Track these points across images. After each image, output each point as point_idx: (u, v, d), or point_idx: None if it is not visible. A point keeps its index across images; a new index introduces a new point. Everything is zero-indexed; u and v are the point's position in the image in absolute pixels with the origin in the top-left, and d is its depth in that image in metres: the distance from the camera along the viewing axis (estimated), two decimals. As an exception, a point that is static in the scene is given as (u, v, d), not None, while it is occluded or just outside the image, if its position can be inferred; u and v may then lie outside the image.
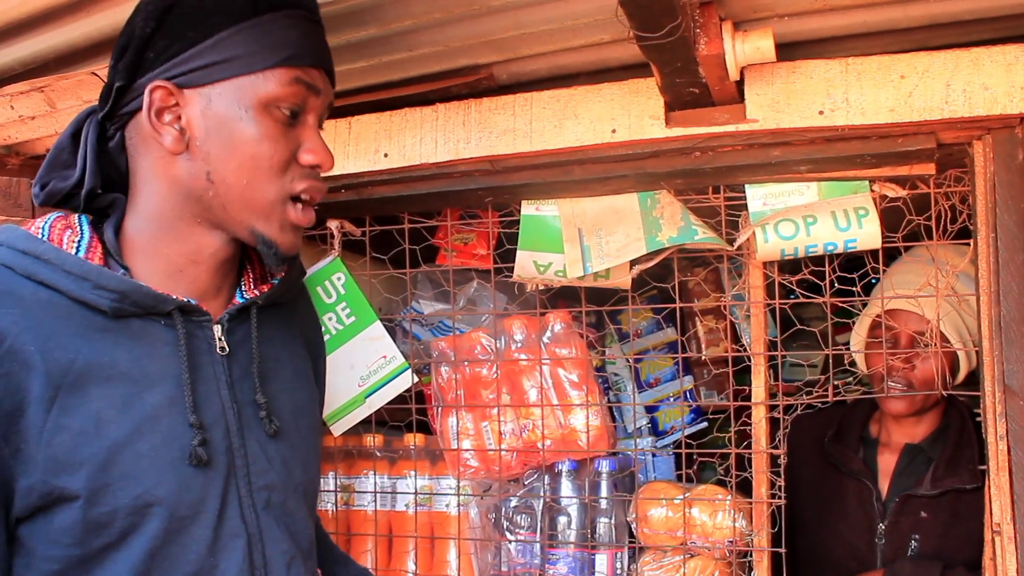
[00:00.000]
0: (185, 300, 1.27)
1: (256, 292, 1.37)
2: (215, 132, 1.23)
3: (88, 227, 1.29)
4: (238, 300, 1.35)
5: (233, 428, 1.28)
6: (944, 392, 2.14)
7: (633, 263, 2.02)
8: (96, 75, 1.85)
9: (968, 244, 1.81)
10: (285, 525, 1.32)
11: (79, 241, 1.25)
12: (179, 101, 1.23)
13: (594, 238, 1.99)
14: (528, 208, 2.05)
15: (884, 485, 2.36)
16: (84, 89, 1.92)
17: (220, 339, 1.30)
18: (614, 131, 1.82)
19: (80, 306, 1.20)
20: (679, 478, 2.25)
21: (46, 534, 1.17)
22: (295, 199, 1.29)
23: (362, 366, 2.16)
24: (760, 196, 1.89)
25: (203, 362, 1.28)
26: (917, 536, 2.25)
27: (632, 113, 1.81)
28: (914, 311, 2.20)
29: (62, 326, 1.18)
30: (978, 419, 1.78)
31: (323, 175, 1.32)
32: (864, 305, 2.08)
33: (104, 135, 1.31)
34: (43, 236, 1.24)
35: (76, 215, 1.30)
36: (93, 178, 1.30)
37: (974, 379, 2.00)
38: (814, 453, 2.47)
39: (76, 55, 1.83)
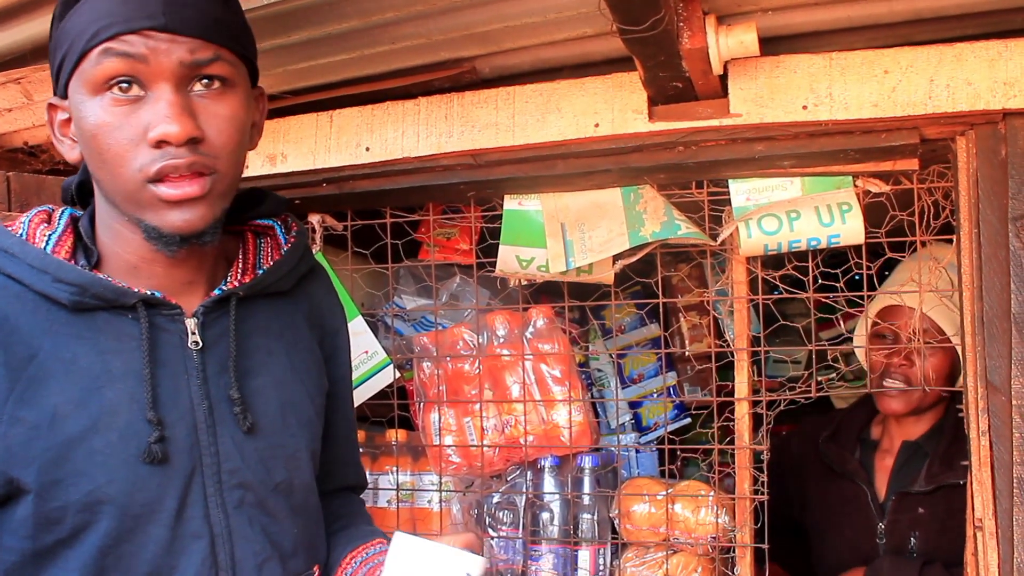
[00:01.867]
0: (149, 293, 1.22)
1: (236, 283, 1.31)
2: (79, 130, 1.18)
3: (65, 220, 1.27)
4: (215, 292, 1.28)
5: (202, 425, 1.23)
6: (928, 388, 2.15)
7: (616, 258, 2.02)
8: (73, 66, 1.83)
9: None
10: (261, 525, 1.26)
11: (50, 235, 1.24)
12: (65, 110, 1.21)
13: (577, 233, 1.99)
14: (511, 203, 2.04)
15: (881, 485, 2.36)
16: (61, 81, 1.90)
17: (193, 333, 1.25)
18: (597, 125, 1.81)
19: (45, 300, 1.19)
20: (662, 474, 2.25)
21: (7, 524, 1.17)
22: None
23: (344, 361, 2.14)
24: (743, 191, 1.88)
25: (171, 357, 1.23)
26: (916, 533, 2.26)
27: (615, 107, 1.80)
28: (913, 308, 2.19)
29: (27, 320, 1.17)
30: (959, 415, 1.78)
31: (191, 141, 1.16)
32: (848, 302, 2.08)
33: None
34: (23, 230, 1.23)
35: (61, 209, 1.30)
36: (82, 172, 1.30)
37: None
38: (816, 458, 2.47)
39: (53, 46, 1.81)
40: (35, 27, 1.76)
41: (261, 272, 1.34)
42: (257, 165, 2.01)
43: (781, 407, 2.03)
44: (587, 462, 2.14)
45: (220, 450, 1.24)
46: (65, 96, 1.20)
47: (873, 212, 1.86)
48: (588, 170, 1.89)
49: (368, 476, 2.27)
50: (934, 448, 2.31)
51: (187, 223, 1.18)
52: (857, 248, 1.89)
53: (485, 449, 2.17)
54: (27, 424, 1.14)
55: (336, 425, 1.50)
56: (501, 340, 2.20)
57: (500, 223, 2.05)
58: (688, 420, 2.68)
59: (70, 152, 1.23)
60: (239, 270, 1.33)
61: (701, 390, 2.85)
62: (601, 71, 1.83)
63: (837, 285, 1.92)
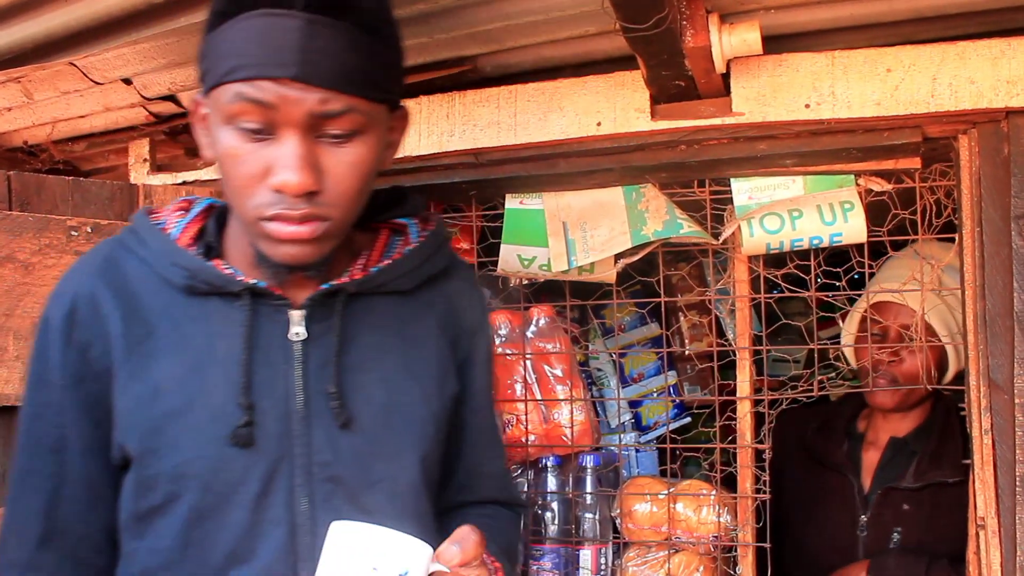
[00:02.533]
0: (254, 283, 1.25)
1: (348, 279, 1.30)
2: (214, 141, 1.20)
3: (199, 209, 1.34)
4: (323, 287, 1.28)
5: (296, 415, 1.24)
6: (930, 387, 2.15)
7: (618, 257, 2.01)
8: (74, 65, 1.82)
9: (954, 239, 1.81)
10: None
11: (180, 221, 1.31)
12: (205, 106, 1.21)
13: (579, 232, 1.98)
14: (512, 201, 2.04)
15: (867, 479, 2.36)
16: (62, 79, 1.89)
17: (298, 324, 1.27)
18: (599, 124, 1.81)
19: (166, 282, 1.27)
20: (663, 473, 2.25)
21: (124, 486, 1.27)
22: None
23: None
24: (745, 190, 1.88)
25: (272, 346, 1.26)
26: (899, 529, 2.26)
27: (617, 106, 1.80)
28: (904, 305, 2.19)
29: (150, 299, 1.26)
30: (963, 413, 1.78)
31: (306, 193, 1.16)
32: (850, 300, 2.08)
33: None
34: (164, 217, 1.32)
35: (201, 199, 1.37)
36: None
37: (961, 375, 2.01)
38: (798, 448, 2.47)
39: (54, 45, 1.81)
40: (35, 26, 1.76)
41: (374, 271, 1.32)
42: (258, 164, 2.01)
43: (783, 406, 2.03)
44: (589, 461, 2.14)
45: (313, 442, 1.25)
46: (205, 96, 1.21)
47: (875, 211, 1.86)
48: (590, 169, 1.89)
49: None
50: (923, 446, 2.31)
51: (294, 258, 1.20)
52: (859, 247, 1.89)
53: (486, 448, 2.16)
54: (134, 394, 1.24)
55: (468, 431, 1.45)
56: (502, 339, 2.20)
57: (501, 222, 2.05)
58: (688, 419, 2.68)
59: (206, 151, 1.25)
60: (359, 266, 1.33)
61: (701, 389, 2.85)
62: (603, 70, 1.83)
63: (839, 284, 1.92)
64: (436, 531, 1.35)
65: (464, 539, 1.17)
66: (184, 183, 2.06)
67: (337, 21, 1.13)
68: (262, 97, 1.12)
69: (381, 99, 1.20)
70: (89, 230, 1.79)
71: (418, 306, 1.38)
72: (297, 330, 1.27)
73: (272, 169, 1.14)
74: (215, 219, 1.33)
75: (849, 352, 2.36)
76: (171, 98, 2.00)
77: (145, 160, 2.12)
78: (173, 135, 2.13)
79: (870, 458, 2.38)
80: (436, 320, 1.39)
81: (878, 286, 2.11)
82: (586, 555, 2.11)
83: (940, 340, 2.17)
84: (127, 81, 1.92)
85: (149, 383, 1.23)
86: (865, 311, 2.26)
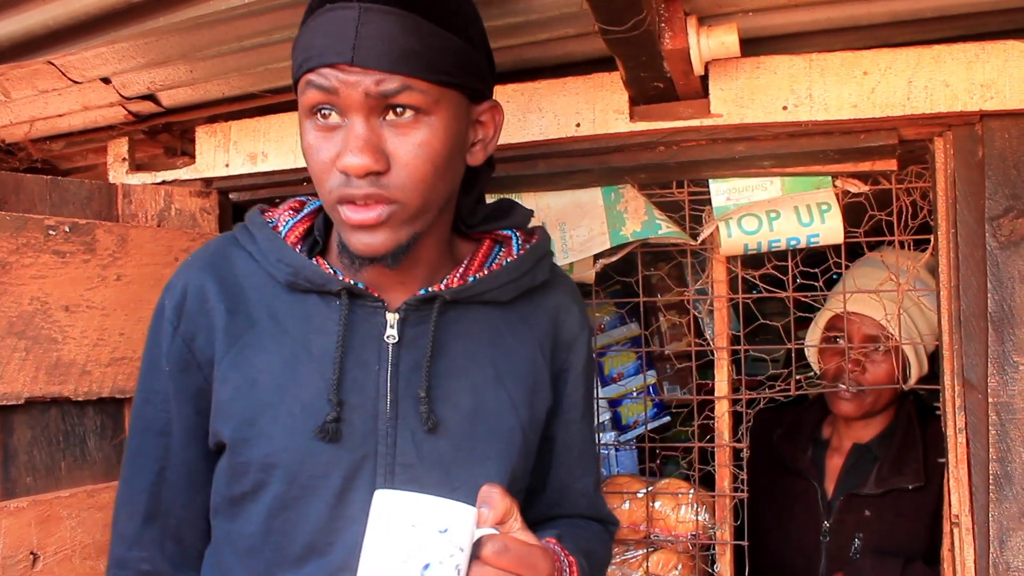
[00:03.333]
0: (352, 283, 1.29)
1: (444, 286, 1.32)
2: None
3: (311, 209, 1.39)
4: (420, 292, 1.31)
5: (384, 415, 1.27)
6: (905, 387, 2.17)
7: (597, 257, 2.02)
8: (52, 64, 1.82)
9: (922, 248, 1.83)
10: None
11: (290, 220, 1.36)
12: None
13: (558, 232, 1.99)
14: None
15: (830, 485, 2.38)
16: (40, 78, 1.88)
17: (392, 327, 1.30)
18: (578, 125, 1.82)
19: (272, 279, 1.32)
20: (642, 472, 2.26)
21: (217, 471, 1.34)
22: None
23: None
24: (724, 191, 1.90)
25: (366, 346, 1.29)
26: (860, 534, 2.28)
27: (597, 107, 1.81)
28: (867, 316, 2.21)
29: (257, 292, 1.32)
30: (936, 412, 1.80)
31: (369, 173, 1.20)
32: (826, 300, 2.09)
33: None
34: (276, 216, 1.37)
35: (314, 200, 1.41)
36: None
37: (931, 377, 2.02)
38: (765, 452, 2.49)
39: (32, 43, 1.79)
40: (13, 24, 1.74)
41: (471, 280, 1.34)
42: (238, 164, 2.01)
43: (760, 405, 2.04)
44: (568, 461, 2.14)
45: (398, 443, 1.27)
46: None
47: (852, 212, 1.87)
48: (569, 170, 1.90)
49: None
50: (884, 452, 2.33)
51: (367, 247, 1.22)
52: (836, 247, 1.90)
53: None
54: (233, 384, 1.29)
55: (560, 445, 1.46)
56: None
57: (481, 222, 2.05)
58: (668, 418, 2.69)
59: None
60: (457, 274, 1.35)
61: (680, 389, 2.86)
62: (582, 71, 1.84)
63: (816, 284, 1.94)
64: None
65: (487, 496, 1.15)
66: (163, 182, 2.06)
67: (394, 9, 1.18)
68: (325, 83, 1.18)
69: (449, 83, 1.22)
70: (67, 229, 1.78)
71: (515, 318, 1.39)
72: (391, 332, 1.30)
73: (340, 152, 1.20)
74: (323, 219, 1.37)
75: (812, 358, 2.38)
76: (150, 97, 1.99)
77: (124, 159, 2.11)
78: (152, 134, 2.12)
79: (833, 464, 2.40)
80: (532, 332, 1.41)
81: (841, 297, 2.12)
82: (565, 554, 2.12)
83: (903, 350, 2.19)
84: (106, 80, 1.91)
85: (248, 374, 1.28)
86: (828, 321, 2.28)
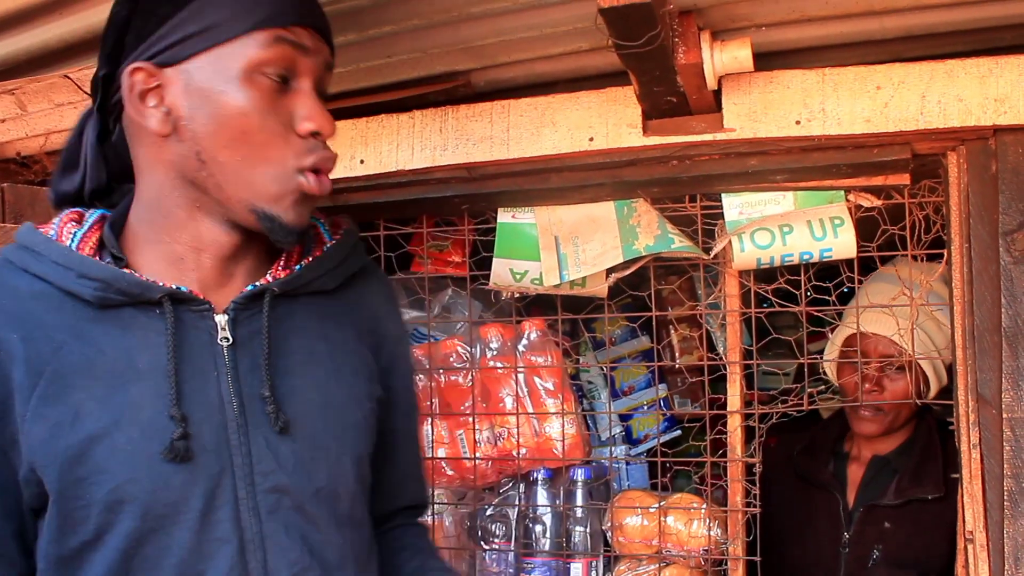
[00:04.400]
0: (175, 288, 1.19)
1: (271, 279, 1.26)
2: (200, 108, 1.16)
3: (94, 219, 1.26)
4: (247, 288, 1.24)
5: (233, 424, 1.18)
6: (919, 402, 2.16)
7: (609, 271, 2.02)
8: (69, 77, 1.83)
9: (936, 261, 1.83)
10: (300, 533, 1.20)
11: (76, 231, 1.23)
12: (160, 81, 1.17)
13: (571, 246, 1.99)
14: (504, 216, 2.05)
15: (851, 496, 2.38)
16: (56, 92, 1.90)
17: (223, 329, 1.21)
18: (591, 139, 1.82)
19: (70, 298, 1.17)
20: (654, 486, 2.25)
21: (43, 530, 1.16)
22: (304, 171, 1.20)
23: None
24: (736, 205, 1.90)
25: (199, 353, 1.19)
26: (880, 546, 2.27)
27: (610, 121, 1.81)
28: (883, 335, 2.20)
29: (51, 317, 1.17)
30: (950, 427, 1.79)
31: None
32: (839, 315, 2.08)
33: (106, 129, 1.27)
34: (53, 230, 1.23)
35: (92, 210, 1.28)
36: (95, 177, 1.27)
37: (947, 392, 2.02)
38: (786, 471, 2.49)
39: (48, 57, 1.81)
40: (30, 39, 1.76)
41: (298, 268, 1.29)
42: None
43: (773, 420, 2.04)
44: (580, 475, 2.14)
45: (252, 451, 1.18)
46: (162, 65, 1.16)
47: (865, 226, 1.87)
48: (582, 184, 1.90)
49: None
50: (904, 464, 2.33)
51: (303, 221, 1.21)
52: (848, 262, 1.90)
53: (478, 462, 2.17)
54: (50, 422, 1.13)
55: (395, 437, 1.43)
56: (494, 353, 2.21)
57: (494, 236, 2.06)
58: (679, 432, 2.68)
59: (160, 124, 1.17)
60: (279, 267, 1.30)
61: (692, 402, 2.86)
62: (595, 85, 1.84)
63: (829, 299, 1.93)
64: (372, 540, 1.35)
65: None
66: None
67: None
68: (301, 42, 1.17)
69: None
70: (82, 242, 1.79)
71: (340, 307, 1.35)
72: (223, 334, 1.21)
73: (298, 116, 1.18)
74: (110, 228, 1.25)
75: (831, 374, 2.38)
76: (165, 111, 2.00)
77: (138, 172, 2.12)
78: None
79: (854, 474, 2.40)
80: (358, 323, 1.36)
81: (856, 316, 2.11)
82: (577, 568, 2.12)
83: (921, 365, 2.19)
84: (121, 94, 1.92)
85: (67, 406, 1.13)
86: (846, 340, 2.28)
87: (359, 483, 1.30)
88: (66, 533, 1.14)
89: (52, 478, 1.12)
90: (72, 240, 1.21)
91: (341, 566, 1.25)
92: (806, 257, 1.88)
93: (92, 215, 1.27)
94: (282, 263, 1.30)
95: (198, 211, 1.21)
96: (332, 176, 1.93)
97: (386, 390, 1.39)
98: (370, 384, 1.35)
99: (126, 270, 1.19)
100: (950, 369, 1.90)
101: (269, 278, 1.26)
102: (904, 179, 1.80)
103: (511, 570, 2.16)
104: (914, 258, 1.87)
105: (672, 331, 2.81)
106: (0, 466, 1.15)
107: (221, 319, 1.22)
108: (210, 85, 1.15)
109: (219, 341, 1.21)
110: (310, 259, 1.30)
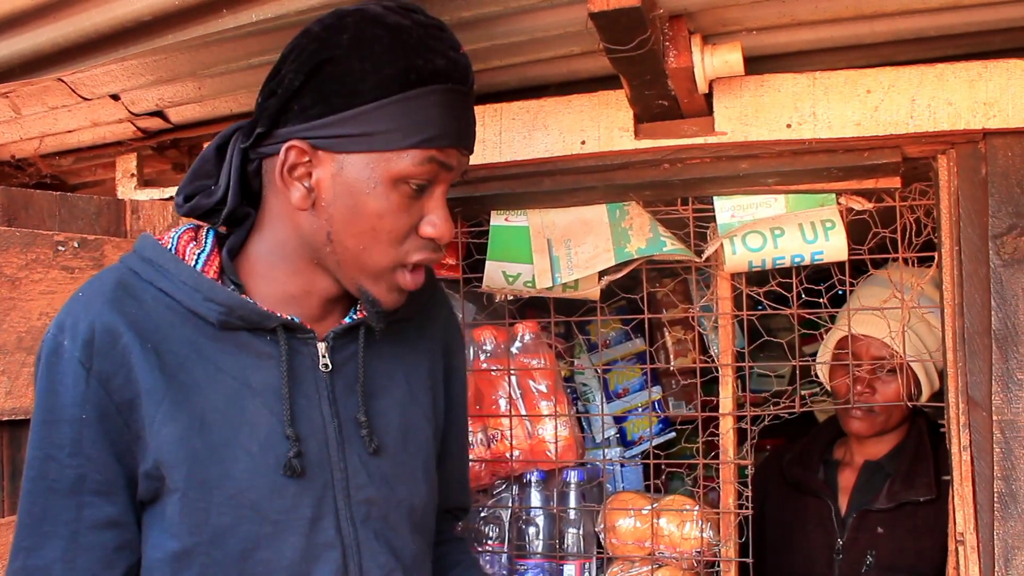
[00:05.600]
0: (289, 318, 1.30)
1: (366, 313, 1.37)
2: (342, 198, 1.25)
3: (212, 241, 1.35)
4: (346, 320, 1.37)
5: (333, 442, 1.31)
6: (911, 404, 2.16)
7: (602, 274, 2.03)
8: (63, 81, 1.83)
9: (927, 264, 1.83)
10: (385, 539, 1.34)
11: (199, 254, 1.32)
12: (312, 160, 1.25)
13: (563, 249, 2.00)
14: (497, 218, 2.05)
15: (843, 502, 2.38)
16: (50, 95, 1.90)
17: (324, 356, 1.33)
18: (583, 142, 1.83)
19: (193, 315, 1.28)
20: (647, 488, 2.26)
21: (158, 523, 1.26)
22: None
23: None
24: (728, 208, 1.90)
25: (305, 377, 1.31)
26: (873, 551, 2.28)
27: (601, 125, 1.82)
28: (874, 337, 2.21)
29: (177, 331, 1.27)
30: (941, 430, 1.80)
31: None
32: (831, 317, 2.09)
33: (246, 156, 1.34)
34: (171, 245, 1.32)
35: (206, 228, 1.37)
36: (235, 198, 1.34)
37: (937, 395, 2.02)
38: (779, 480, 2.49)
39: (41, 60, 1.81)
40: (23, 42, 1.76)
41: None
42: (245, 180, 2.02)
43: (765, 422, 2.04)
44: (573, 476, 2.14)
45: (348, 466, 1.32)
46: (321, 148, 1.24)
47: (856, 229, 1.88)
48: (574, 187, 1.90)
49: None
50: (896, 468, 2.33)
51: (397, 305, 1.32)
52: (840, 265, 1.91)
53: (471, 463, 2.17)
54: (180, 424, 1.23)
55: (449, 443, 1.55)
56: (487, 355, 2.21)
57: (487, 239, 2.06)
58: (673, 435, 2.69)
59: (302, 200, 1.27)
60: None
61: (686, 405, 2.86)
62: (587, 89, 1.85)
63: (820, 301, 1.94)
64: (432, 542, 1.48)
65: None
66: (171, 198, 2.07)
67: (471, 93, 1.31)
68: (449, 163, 1.27)
69: None
70: (76, 245, 1.80)
71: (413, 330, 1.46)
72: (324, 361, 1.33)
73: (425, 220, 1.28)
74: (227, 252, 1.35)
75: (823, 377, 2.38)
76: (159, 114, 2.01)
77: (132, 175, 2.13)
78: (160, 150, 2.14)
79: (846, 481, 2.41)
80: (428, 343, 1.49)
81: (855, 315, 2.12)
82: (570, 570, 2.12)
83: (912, 368, 2.20)
84: (115, 97, 1.93)
85: (194, 413, 1.25)
86: (838, 343, 2.28)
87: (430, 493, 1.44)
88: (186, 530, 1.24)
89: (179, 476, 1.23)
90: (197, 262, 1.31)
91: (415, 568, 1.40)
92: (797, 260, 1.89)
93: (208, 236, 1.36)
94: None
95: (316, 267, 1.32)
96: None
97: (444, 399, 1.53)
98: (436, 401, 1.50)
99: (248, 298, 1.30)
100: (941, 374, 1.91)
101: (365, 313, 1.35)
102: (895, 182, 1.80)
103: (504, 572, 2.16)
104: (905, 261, 1.88)
105: (666, 333, 2.81)
106: (126, 458, 1.25)
107: (321, 346, 1.34)
108: (359, 183, 1.24)
109: (321, 367, 1.33)
110: None
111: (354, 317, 1.37)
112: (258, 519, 1.25)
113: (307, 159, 1.25)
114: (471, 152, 1.33)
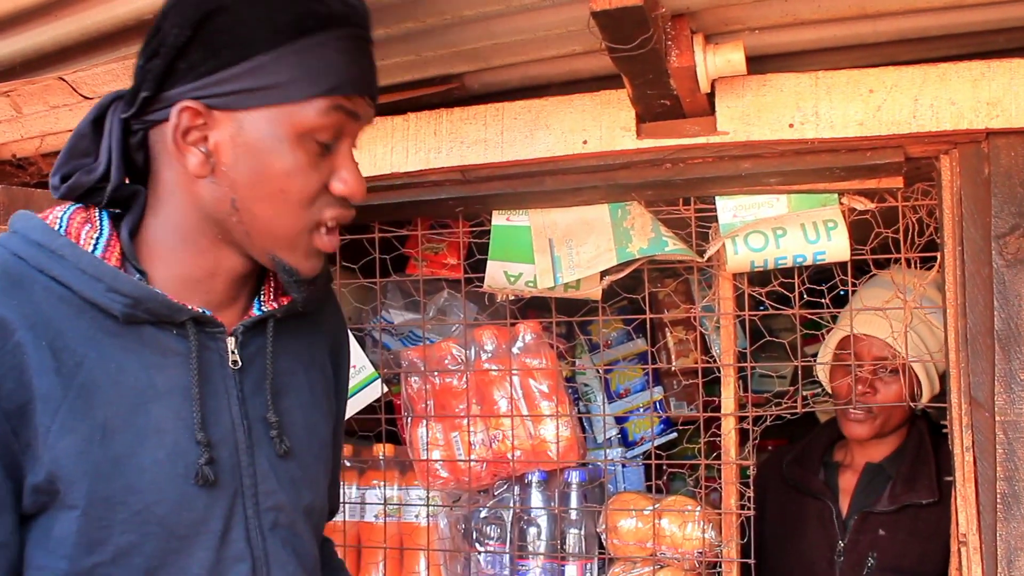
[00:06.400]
0: (200, 311, 1.20)
1: (275, 304, 1.29)
2: (244, 160, 1.15)
3: (108, 224, 1.22)
4: (255, 312, 1.27)
5: (242, 446, 1.21)
6: (912, 404, 2.16)
7: (603, 274, 2.03)
8: (64, 80, 1.83)
9: (928, 266, 1.83)
10: (292, 547, 1.26)
11: (97, 238, 1.19)
12: (208, 121, 1.15)
13: (565, 249, 1.99)
14: (499, 218, 2.05)
15: (844, 504, 2.38)
16: (51, 94, 1.90)
17: (233, 352, 1.23)
18: (585, 142, 1.82)
19: (91, 307, 1.15)
20: (649, 489, 2.25)
21: (42, 542, 1.13)
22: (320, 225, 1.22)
23: (331, 376, 2.14)
24: (730, 208, 1.90)
25: (214, 376, 1.21)
26: (875, 553, 2.27)
27: (603, 124, 1.82)
28: (876, 337, 2.21)
29: (73, 325, 1.13)
30: (943, 431, 1.80)
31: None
32: (833, 318, 2.09)
33: (127, 128, 1.22)
34: (60, 228, 1.17)
35: (96, 209, 1.23)
36: (119, 173, 1.22)
37: (941, 396, 2.02)
38: (779, 482, 2.49)
39: (43, 59, 1.82)
40: (25, 41, 1.76)
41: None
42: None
43: (767, 422, 2.04)
44: (574, 477, 2.14)
45: (257, 472, 1.23)
46: (216, 108, 1.15)
47: (858, 229, 1.87)
48: (576, 186, 1.90)
49: (355, 491, 2.29)
50: (897, 470, 2.33)
51: (315, 272, 1.24)
52: (842, 265, 1.90)
53: (472, 464, 2.17)
54: (81, 435, 1.11)
55: (336, 444, 1.47)
56: (489, 355, 2.21)
57: (488, 238, 2.06)
58: (674, 435, 2.68)
59: (199, 166, 1.16)
60: (271, 287, 1.32)
61: (687, 405, 2.86)
62: (589, 88, 1.84)
63: (823, 301, 1.94)
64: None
65: None
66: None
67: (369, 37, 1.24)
68: (357, 111, 1.19)
69: None
70: (76, 244, 1.79)
71: (308, 327, 1.38)
72: (234, 358, 1.23)
73: (335, 177, 1.20)
74: (127, 239, 1.22)
75: (823, 377, 2.38)
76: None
77: (133, 174, 2.12)
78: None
79: (847, 483, 2.40)
80: (322, 340, 1.41)
81: (850, 319, 2.11)
82: (571, 571, 2.12)
83: (914, 369, 2.19)
84: (116, 96, 1.92)
85: (95, 421, 1.12)
86: (839, 343, 2.27)
87: (324, 498, 1.37)
88: (83, 550, 1.12)
89: (79, 494, 1.11)
90: (96, 247, 1.18)
91: (315, 573, 1.33)
92: (800, 260, 1.89)
93: (102, 217, 1.23)
94: (272, 285, 1.32)
95: (221, 243, 1.22)
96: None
97: (336, 400, 1.45)
98: (331, 400, 1.42)
99: (156, 289, 1.18)
100: (942, 375, 1.91)
101: (273, 304, 1.29)
102: (897, 182, 1.80)
103: (506, 572, 2.16)
104: (907, 262, 1.87)
105: (668, 334, 2.81)
106: (12, 471, 1.11)
107: (230, 341, 1.23)
108: (261, 141, 1.15)
109: (229, 364, 1.23)
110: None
111: (262, 308, 1.27)
112: (165, 534, 1.14)
113: (202, 121, 1.14)
114: (376, 101, 1.24)
